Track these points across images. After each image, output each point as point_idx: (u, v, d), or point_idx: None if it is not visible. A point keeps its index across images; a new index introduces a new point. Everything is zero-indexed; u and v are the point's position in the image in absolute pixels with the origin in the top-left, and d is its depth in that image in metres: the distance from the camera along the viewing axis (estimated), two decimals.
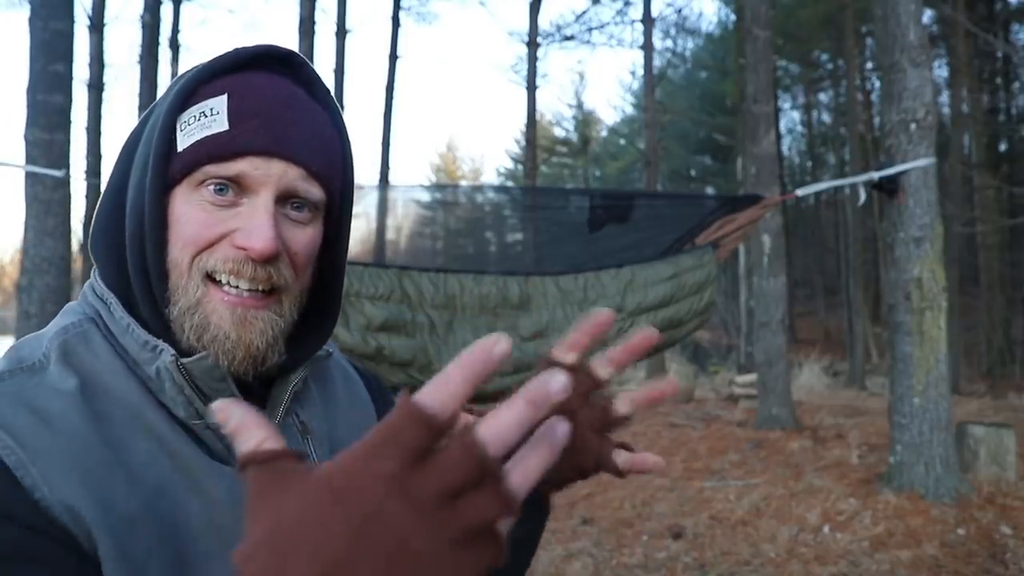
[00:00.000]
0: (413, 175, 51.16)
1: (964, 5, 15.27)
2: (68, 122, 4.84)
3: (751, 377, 10.11)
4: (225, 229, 0.59)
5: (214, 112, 0.58)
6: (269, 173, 0.59)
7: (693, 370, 12.88)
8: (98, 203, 0.64)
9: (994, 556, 3.87)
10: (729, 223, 3.63)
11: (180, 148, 0.59)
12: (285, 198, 0.61)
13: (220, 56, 0.62)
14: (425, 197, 4.73)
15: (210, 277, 0.59)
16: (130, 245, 0.60)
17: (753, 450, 6.75)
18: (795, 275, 24.41)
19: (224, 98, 0.59)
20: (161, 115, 0.60)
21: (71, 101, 4.86)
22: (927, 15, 11.80)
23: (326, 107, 0.67)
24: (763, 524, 4.54)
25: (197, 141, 0.58)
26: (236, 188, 0.59)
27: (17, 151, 4.74)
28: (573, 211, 3.89)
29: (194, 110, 0.59)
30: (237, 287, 0.59)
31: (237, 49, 0.62)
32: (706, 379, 15.07)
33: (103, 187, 0.65)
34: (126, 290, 0.62)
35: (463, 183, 39.10)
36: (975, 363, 16.51)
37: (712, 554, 4.09)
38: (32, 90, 4.68)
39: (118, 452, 0.55)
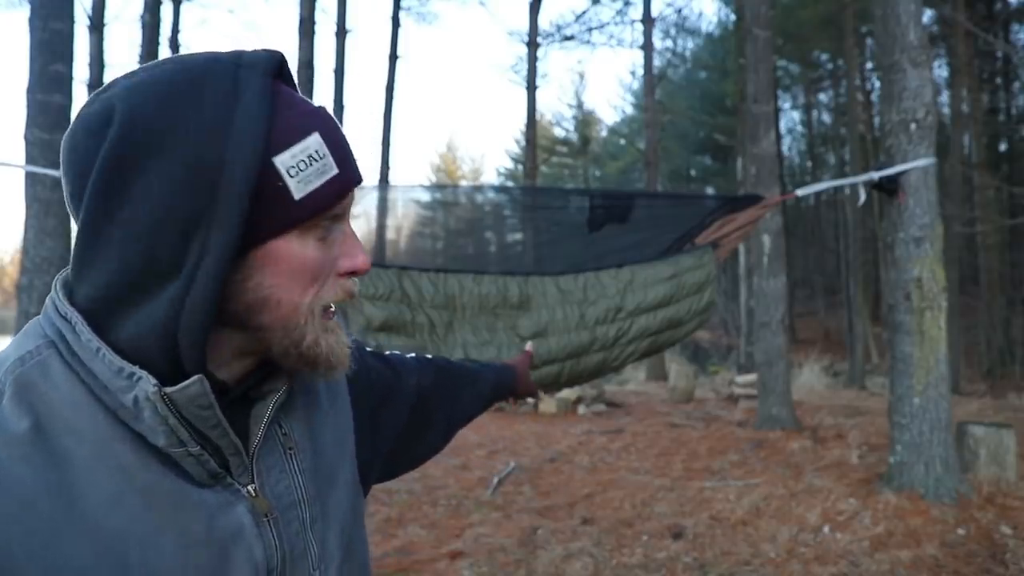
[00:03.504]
0: (413, 175, 51.19)
1: (964, 5, 15.26)
2: (68, 122, 4.81)
3: (751, 377, 10.11)
4: (331, 261, 0.63)
5: (320, 155, 0.59)
6: (354, 200, 0.64)
7: (693, 370, 12.86)
8: (84, 220, 0.56)
9: (994, 556, 3.86)
10: (729, 223, 3.62)
11: (297, 196, 0.58)
12: None
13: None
14: (425, 197, 4.73)
15: (327, 308, 0.64)
16: (204, 278, 0.55)
17: (753, 450, 6.75)
18: (795, 275, 24.41)
19: (319, 137, 0.59)
20: (250, 160, 0.55)
21: (71, 101, 4.86)
22: (927, 15, 11.80)
23: None
24: (763, 524, 4.54)
25: (317, 188, 0.59)
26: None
27: (17, 151, 4.75)
28: (573, 211, 3.88)
29: (297, 153, 0.57)
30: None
31: (259, 63, 0.59)
32: (706, 379, 15.07)
33: None
34: (105, 310, 0.56)
35: (463, 183, 39.10)
36: (975, 363, 16.50)
37: (712, 554, 4.09)
38: (32, 90, 4.68)
39: (73, 499, 0.52)
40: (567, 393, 9.84)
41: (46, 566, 0.49)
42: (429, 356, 1.04)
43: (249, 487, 0.61)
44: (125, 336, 0.56)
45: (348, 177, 0.61)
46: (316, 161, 0.58)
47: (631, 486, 5.62)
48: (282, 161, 0.57)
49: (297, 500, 0.66)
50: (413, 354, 1.02)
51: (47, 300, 0.60)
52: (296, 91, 0.63)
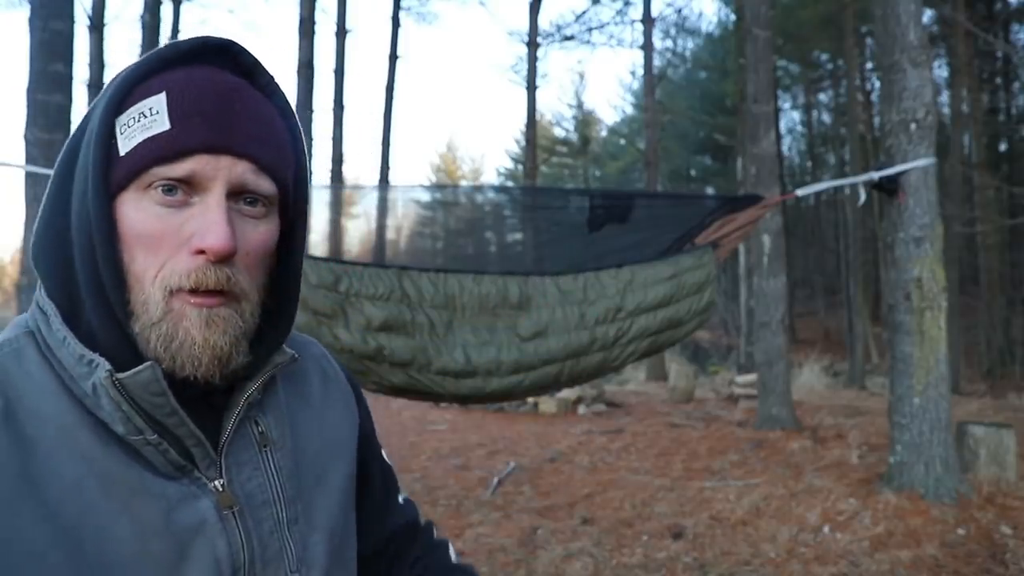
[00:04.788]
0: (413, 175, 51.19)
1: (964, 5, 15.26)
2: (68, 122, 4.84)
3: (751, 377, 10.11)
4: (181, 236, 0.57)
5: (153, 112, 0.57)
6: (218, 169, 0.57)
7: (693, 370, 12.86)
8: (38, 216, 0.61)
9: (994, 556, 3.87)
10: (729, 223, 3.62)
11: (122, 152, 0.57)
12: (237, 193, 0.59)
13: (155, 52, 0.60)
14: (425, 197, 4.74)
15: (173, 290, 0.57)
16: (80, 258, 0.57)
17: (753, 450, 6.75)
18: (795, 275, 24.40)
19: (163, 96, 0.57)
20: (97, 120, 0.58)
21: (71, 101, 4.86)
22: (927, 15, 11.81)
23: (272, 96, 0.65)
24: (763, 524, 4.54)
25: (140, 143, 0.56)
26: (186, 187, 0.57)
27: (17, 151, 4.75)
28: (573, 211, 3.88)
29: (132, 111, 0.57)
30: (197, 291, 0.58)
31: (173, 43, 0.60)
32: (706, 379, 15.06)
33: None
34: (69, 301, 0.59)
35: (463, 183, 39.10)
36: (975, 363, 16.50)
37: (712, 554, 4.09)
38: (32, 90, 4.68)
39: (35, 482, 0.52)
40: (567, 393, 9.84)
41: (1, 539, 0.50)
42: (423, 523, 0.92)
43: (216, 482, 0.60)
44: (88, 326, 0.58)
45: (185, 137, 0.56)
46: (145, 118, 0.57)
47: (631, 486, 5.62)
48: (120, 120, 0.58)
49: (272, 499, 0.64)
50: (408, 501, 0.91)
51: (36, 295, 0.63)
52: (248, 76, 0.64)
